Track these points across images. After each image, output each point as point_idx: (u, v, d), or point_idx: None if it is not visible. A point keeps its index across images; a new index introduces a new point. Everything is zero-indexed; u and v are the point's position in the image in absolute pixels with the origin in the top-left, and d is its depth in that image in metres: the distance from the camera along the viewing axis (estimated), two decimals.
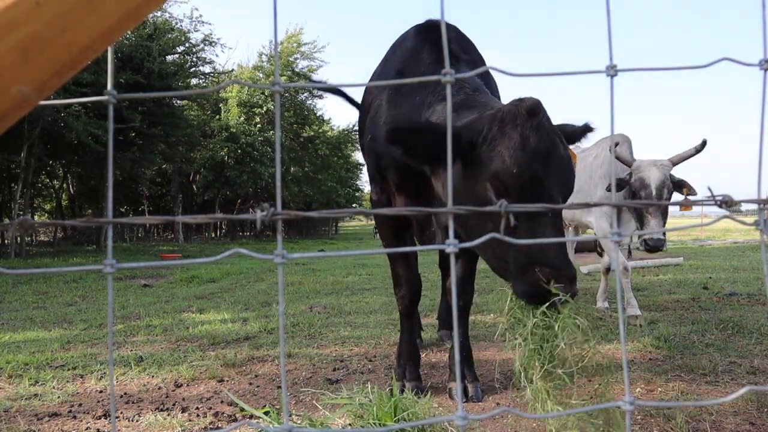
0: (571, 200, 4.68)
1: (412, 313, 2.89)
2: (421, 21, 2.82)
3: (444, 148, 1.87)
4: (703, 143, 3.94)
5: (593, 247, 6.71)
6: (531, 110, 1.83)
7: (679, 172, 4.12)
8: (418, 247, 1.08)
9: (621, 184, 4.06)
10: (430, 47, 2.55)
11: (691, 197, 3.96)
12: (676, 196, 4.04)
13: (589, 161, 4.79)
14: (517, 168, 1.78)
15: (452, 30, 2.72)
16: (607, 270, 4.93)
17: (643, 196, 3.93)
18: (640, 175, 3.97)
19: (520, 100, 1.88)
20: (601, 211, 4.53)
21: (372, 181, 2.89)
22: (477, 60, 2.70)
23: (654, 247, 3.87)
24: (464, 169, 1.96)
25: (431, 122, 2.20)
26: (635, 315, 4.19)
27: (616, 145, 4.15)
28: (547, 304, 1.68)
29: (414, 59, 2.59)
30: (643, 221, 3.98)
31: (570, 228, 5.65)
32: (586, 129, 2.21)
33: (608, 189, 4.16)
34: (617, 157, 4.08)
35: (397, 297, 2.89)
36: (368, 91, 2.94)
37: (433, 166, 2.22)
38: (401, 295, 2.84)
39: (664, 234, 4.01)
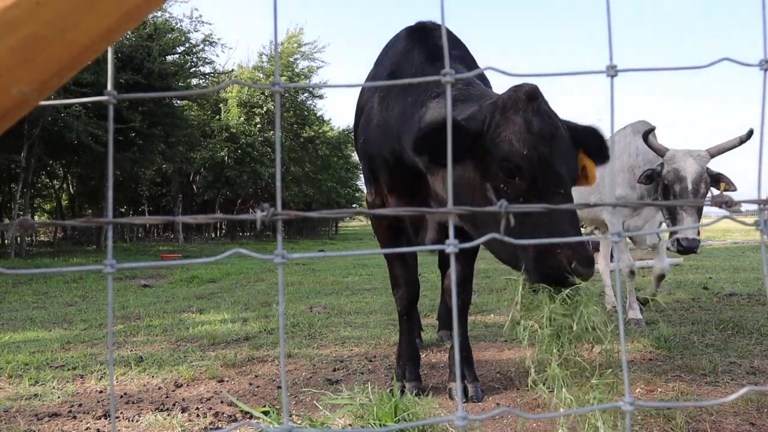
0: (585, 198, 4.60)
1: (411, 314, 2.89)
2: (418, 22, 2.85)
3: (457, 142, 1.87)
4: (749, 133, 3.51)
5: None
6: (530, 95, 1.86)
7: None
8: (417, 248, 1.08)
9: (651, 175, 3.68)
10: (420, 47, 2.59)
11: (729, 192, 3.59)
12: (712, 192, 3.61)
13: None
14: (527, 149, 1.80)
15: (440, 29, 2.74)
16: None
17: (677, 190, 3.53)
18: (675, 166, 3.54)
19: (518, 86, 1.92)
20: (615, 207, 4.27)
21: (367, 183, 2.90)
22: (465, 55, 2.77)
23: (688, 248, 3.43)
24: (469, 160, 1.97)
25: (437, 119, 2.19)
26: (636, 319, 4.12)
27: (650, 132, 3.70)
28: (568, 290, 1.67)
29: (405, 60, 2.63)
30: (676, 218, 3.55)
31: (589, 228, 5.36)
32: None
33: (639, 180, 3.75)
34: (649, 146, 3.72)
35: (395, 298, 2.89)
36: (362, 94, 2.96)
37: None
38: (399, 295, 2.84)
39: (698, 233, 3.46)
